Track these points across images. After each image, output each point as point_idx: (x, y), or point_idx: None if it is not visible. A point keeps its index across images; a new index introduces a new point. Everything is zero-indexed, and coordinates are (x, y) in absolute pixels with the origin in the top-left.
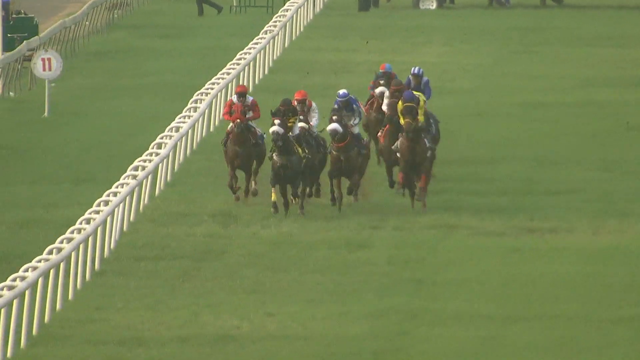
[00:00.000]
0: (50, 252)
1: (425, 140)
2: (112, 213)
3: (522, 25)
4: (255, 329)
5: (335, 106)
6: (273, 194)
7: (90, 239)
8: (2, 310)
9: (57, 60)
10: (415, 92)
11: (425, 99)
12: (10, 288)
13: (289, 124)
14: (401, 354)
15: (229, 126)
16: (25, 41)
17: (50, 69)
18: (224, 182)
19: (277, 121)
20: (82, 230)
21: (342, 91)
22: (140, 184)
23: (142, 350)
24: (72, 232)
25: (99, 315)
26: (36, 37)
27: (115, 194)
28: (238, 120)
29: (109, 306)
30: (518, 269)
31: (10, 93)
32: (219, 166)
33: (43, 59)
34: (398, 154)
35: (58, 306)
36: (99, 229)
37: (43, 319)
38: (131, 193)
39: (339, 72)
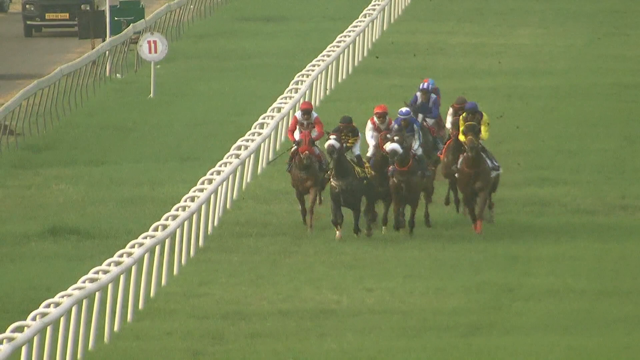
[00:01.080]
0: (156, 229)
1: (487, 160)
2: (215, 191)
3: (615, 8)
4: (354, 304)
5: (395, 125)
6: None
7: (194, 216)
8: (109, 286)
9: (163, 42)
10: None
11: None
12: (117, 264)
13: (348, 144)
14: (496, 327)
15: (292, 148)
16: (131, 24)
17: (155, 52)
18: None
19: (333, 136)
20: (186, 208)
21: (404, 109)
22: (243, 163)
23: (245, 324)
24: (177, 210)
25: (202, 290)
26: (142, 20)
27: (218, 173)
28: (307, 152)
29: (213, 281)
30: (610, 245)
31: (117, 75)
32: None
33: (149, 42)
34: (456, 175)
35: (163, 281)
36: (203, 206)
37: (149, 294)
38: (234, 171)
39: (436, 54)
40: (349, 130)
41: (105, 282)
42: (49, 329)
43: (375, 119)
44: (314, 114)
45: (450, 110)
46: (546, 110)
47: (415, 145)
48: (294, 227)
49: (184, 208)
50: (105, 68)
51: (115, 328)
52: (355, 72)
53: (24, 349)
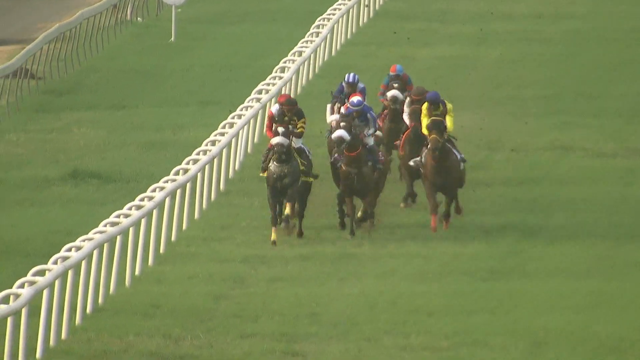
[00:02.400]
0: (177, 173)
1: (455, 151)
2: (236, 135)
3: None
4: (374, 248)
5: (342, 111)
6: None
7: (215, 160)
8: (130, 230)
9: None
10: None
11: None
12: (139, 207)
13: (297, 130)
14: (516, 271)
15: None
16: None
17: None
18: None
19: (280, 129)
20: (207, 152)
21: (356, 99)
22: (264, 107)
23: (266, 268)
24: (198, 154)
25: (223, 234)
26: None
27: (239, 116)
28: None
29: (234, 225)
30: (631, 189)
31: (138, 19)
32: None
33: None
34: (421, 170)
35: (184, 225)
36: (224, 150)
37: (170, 238)
38: (255, 115)
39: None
40: (294, 114)
41: (127, 226)
42: (70, 272)
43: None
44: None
45: (407, 100)
46: (567, 54)
47: (369, 131)
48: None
49: (205, 152)
50: (126, 12)
51: (137, 272)
52: (377, 16)
53: (45, 293)
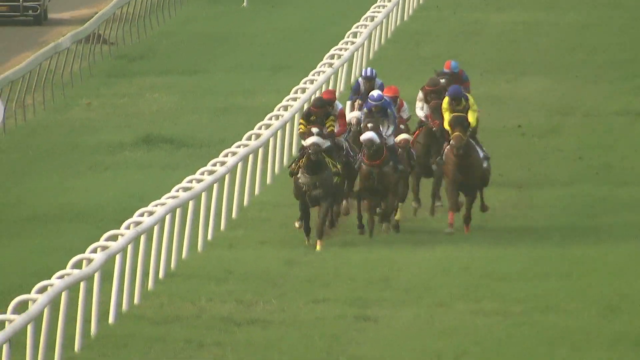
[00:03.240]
0: (249, 138)
1: (478, 148)
2: (308, 100)
3: None
4: (444, 214)
5: (366, 110)
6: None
7: (287, 125)
8: (203, 195)
9: None
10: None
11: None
12: (211, 173)
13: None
14: (588, 236)
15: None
16: None
17: None
18: (417, 68)
19: (370, 124)
20: (279, 117)
21: (376, 93)
22: (336, 72)
23: (337, 232)
24: (270, 119)
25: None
26: None
27: (312, 82)
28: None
29: None
30: None
31: None
32: (412, 53)
33: None
34: (442, 168)
35: (256, 190)
36: (296, 115)
37: (242, 203)
38: (327, 81)
39: None
40: (322, 116)
41: (199, 191)
42: (142, 237)
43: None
44: (338, 105)
45: (420, 94)
46: None
47: (389, 131)
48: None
49: (277, 117)
50: None
51: (209, 237)
52: None
53: (117, 258)
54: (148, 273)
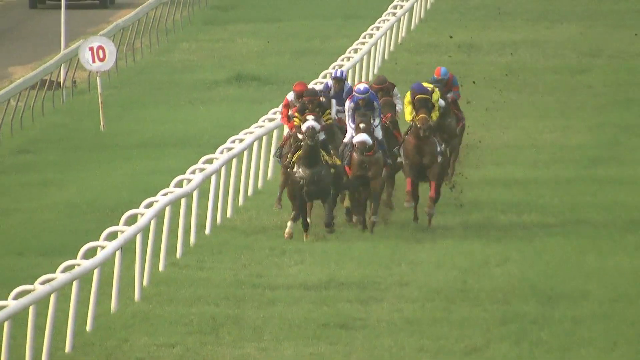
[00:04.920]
0: (324, 76)
1: (436, 140)
2: (375, 44)
3: None
4: (493, 139)
5: (352, 104)
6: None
7: (357, 65)
8: (274, 132)
9: None
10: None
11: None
12: None
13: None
14: (615, 160)
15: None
16: None
17: None
18: (472, 17)
19: (310, 116)
20: (350, 59)
21: (362, 86)
22: (398, 20)
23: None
24: (342, 60)
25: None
26: None
27: (378, 28)
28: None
29: None
30: None
31: None
32: (462, 3)
33: None
34: (401, 152)
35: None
36: (364, 57)
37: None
38: (391, 28)
39: None
40: (316, 106)
41: (280, 122)
42: (234, 161)
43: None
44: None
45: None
46: None
47: (375, 122)
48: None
49: (348, 58)
50: None
51: (268, 176)
52: None
53: (212, 178)
54: (239, 191)
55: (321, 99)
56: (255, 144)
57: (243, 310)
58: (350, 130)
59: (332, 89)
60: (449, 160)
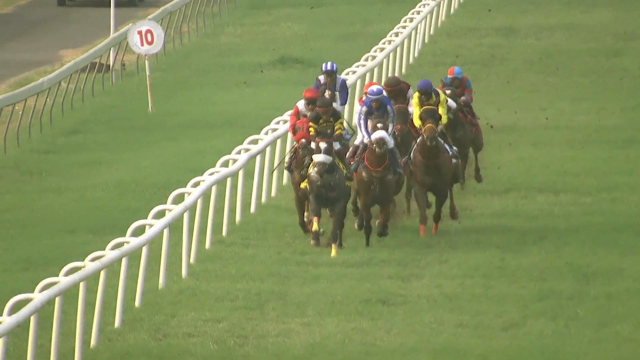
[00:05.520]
0: (366, 59)
1: (447, 147)
2: (415, 27)
3: None
4: (530, 121)
5: (364, 107)
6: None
7: (398, 48)
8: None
9: None
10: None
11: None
12: None
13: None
14: None
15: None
16: None
17: None
18: (509, 1)
19: (323, 145)
20: (391, 42)
21: (375, 87)
22: (438, 4)
23: None
24: (384, 43)
25: None
26: None
27: (418, 12)
28: (303, 141)
29: None
30: None
31: None
32: None
33: None
34: (410, 167)
35: None
36: (405, 40)
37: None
38: (431, 11)
39: None
40: (330, 115)
41: None
42: (278, 141)
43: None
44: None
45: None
46: None
47: (389, 129)
48: (481, 58)
49: (389, 42)
50: None
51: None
52: None
53: (257, 158)
54: (283, 171)
55: (333, 104)
56: None
57: (287, 287)
58: (361, 135)
59: (324, 82)
60: (462, 164)
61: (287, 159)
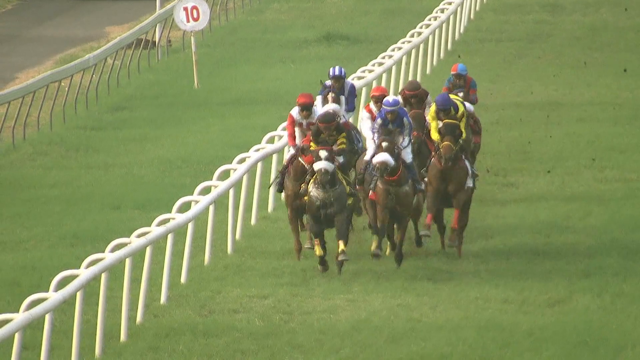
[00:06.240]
0: (412, 35)
1: (466, 162)
2: (461, 4)
3: None
4: (577, 97)
5: (379, 119)
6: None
7: (443, 25)
8: (374, 82)
9: None
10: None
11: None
12: (380, 64)
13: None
14: None
15: (290, 153)
16: None
17: None
18: None
19: (323, 152)
20: (436, 18)
21: (391, 98)
22: None
23: (484, 111)
24: (429, 20)
25: None
26: None
27: None
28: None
29: None
30: None
31: None
32: None
33: None
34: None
35: (427, 70)
36: (451, 17)
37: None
38: None
39: None
40: (333, 130)
41: (370, 80)
42: None
43: (371, 105)
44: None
45: (399, 99)
46: None
47: (404, 142)
48: (525, 34)
49: (435, 18)
50: None
51: None
52: None
53: None
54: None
55: (338, 119)
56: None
57: (333, 263)
58: (371, 149)
59: (333, 87)
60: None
61: (279, 175)
